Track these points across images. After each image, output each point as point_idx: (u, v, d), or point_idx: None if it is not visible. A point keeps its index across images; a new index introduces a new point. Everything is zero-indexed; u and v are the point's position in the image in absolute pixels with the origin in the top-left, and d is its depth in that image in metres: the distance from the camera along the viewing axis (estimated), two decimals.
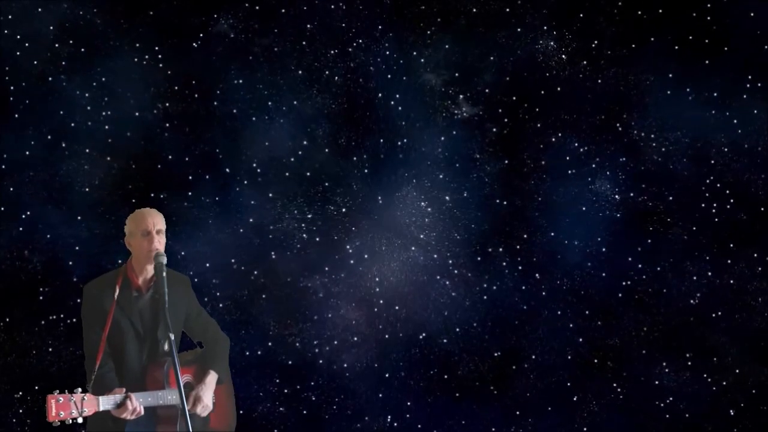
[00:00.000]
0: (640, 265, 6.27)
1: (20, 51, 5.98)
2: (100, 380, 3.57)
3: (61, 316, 5.99)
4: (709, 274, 6.26)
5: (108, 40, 6.10)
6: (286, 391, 6.22)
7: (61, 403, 3.30)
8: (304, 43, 6.28)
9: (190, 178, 6.16)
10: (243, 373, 6.03)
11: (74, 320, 5.92)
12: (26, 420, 5.89)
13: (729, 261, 6.24)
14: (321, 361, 6.23)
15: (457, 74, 6.38)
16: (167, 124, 6.18)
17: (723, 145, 6.25)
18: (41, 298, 5.98)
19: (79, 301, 5.61)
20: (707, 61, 6.23)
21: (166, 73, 6.17)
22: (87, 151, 6.07)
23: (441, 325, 6.30)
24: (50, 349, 5.98)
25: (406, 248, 6.33)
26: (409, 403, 6.26)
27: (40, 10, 5.97)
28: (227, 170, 6.21)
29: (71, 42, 6.08)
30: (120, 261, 5.52)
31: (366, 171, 6.35)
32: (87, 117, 6.07)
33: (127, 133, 6.11)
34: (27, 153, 6.00)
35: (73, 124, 6.06)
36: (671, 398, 6.20)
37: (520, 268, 6.33)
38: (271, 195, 6.26)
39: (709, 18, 6.23)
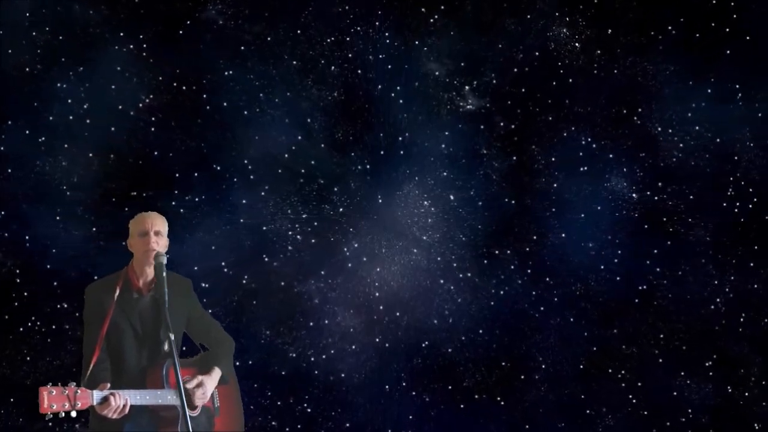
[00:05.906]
0: (658, 269, 6.20)
1: None
2: (93, 377, 3.65)
3: (38, 323, 5.92)
4: (733, 278, 6.19)
5: (88, 27, 6.03)
6: (279, 403, 6.14)
7: (54, 395, 3.37)
8: (298, 30, 6.22)
9: (177, 175, 6.09)
10: None
11: (53, 328, 5.89)
12: None
13: (754, 264, 6.19)
14: (317, 372, 6.16)
15: (462, 64, 6.33)
16: (152, 118, 6.11)
17: (748, 139, 6.20)
18: (15, 303, 5.91)
19: (58, 306, 5.99)
20: (729, 50, 6.16)
21: (151, 63, 6.10)
22: (65, 146, 5.99)
23: (445, 332, 6.23)
24: (27, 359, 5.90)
25: (407, 250, 6.27)
26: (411, 417, 6.18)
27: None
28: (216, 167, 6.14)
29: (48, 29, 5.99)
30: (101, 262, 5.74)
31: (365, 168, 6.29)
32: (66, 110, 5.99)
33: (109, 127, 6.04)
34: (1, 148, 5.91)
35: (51, 118, 5.99)
36: (692, 411, 6.14)
37: (529, 271, 6.26)
38: (263, 193, 6.17)
39: (731, 4, 6.18)
